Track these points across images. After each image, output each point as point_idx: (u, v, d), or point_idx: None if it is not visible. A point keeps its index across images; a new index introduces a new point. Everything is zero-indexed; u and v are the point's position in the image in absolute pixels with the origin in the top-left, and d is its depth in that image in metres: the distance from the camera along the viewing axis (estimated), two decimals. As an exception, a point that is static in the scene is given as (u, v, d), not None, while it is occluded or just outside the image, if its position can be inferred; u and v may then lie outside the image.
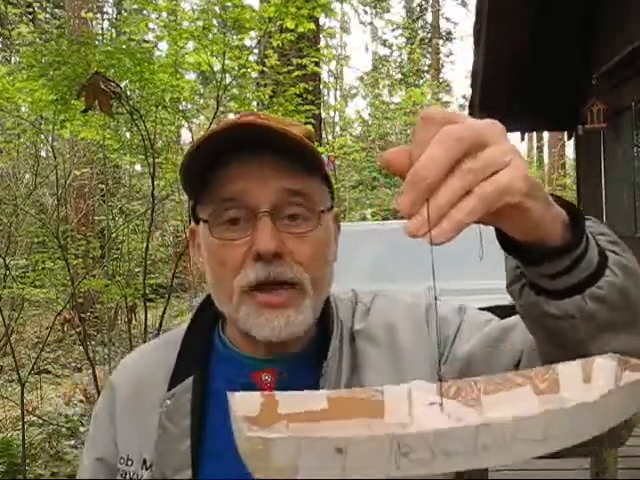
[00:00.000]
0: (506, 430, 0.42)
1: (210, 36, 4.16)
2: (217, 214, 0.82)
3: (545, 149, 24.83)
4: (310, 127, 0.97)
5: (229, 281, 0.81)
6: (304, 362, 0.87)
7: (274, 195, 0.80)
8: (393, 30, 25.21)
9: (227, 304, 0.83)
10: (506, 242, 0.60)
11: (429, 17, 24.99)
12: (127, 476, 0.88)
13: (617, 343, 0.61)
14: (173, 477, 0.84)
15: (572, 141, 9.44)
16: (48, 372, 7.33)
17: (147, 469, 0.86)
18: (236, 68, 4.72)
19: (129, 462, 0.88)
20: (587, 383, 0.53)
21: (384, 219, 14.59)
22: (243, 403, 0.50)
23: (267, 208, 0.79)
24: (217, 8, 4.52)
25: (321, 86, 11.43)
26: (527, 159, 26.89)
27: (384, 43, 25.58)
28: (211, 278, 0.85)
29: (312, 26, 4.68)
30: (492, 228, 0.63)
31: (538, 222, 0.55)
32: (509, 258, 0.65)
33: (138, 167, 10.73)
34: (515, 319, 0.79)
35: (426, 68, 24.64)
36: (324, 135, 14.38)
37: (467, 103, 9.37)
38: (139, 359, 0.99)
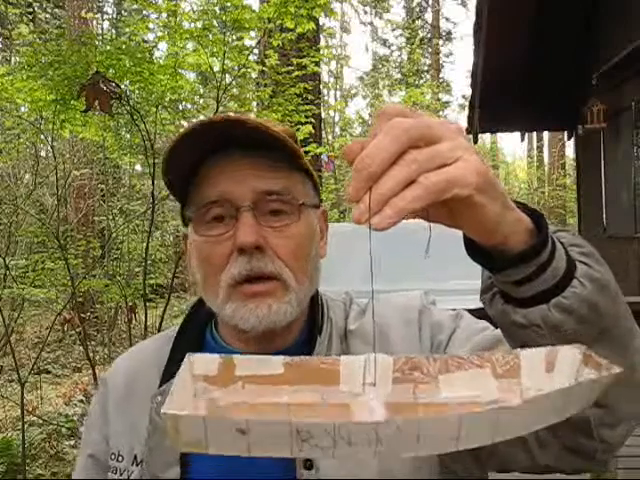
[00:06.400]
0: (410, 428, 0.43)
1: (210, 36, 4.16)
2: (202, 213, 0.84)
3: (545, 149, 24.82)
4: (295, 128, 0.98)
5: (216, 277, 0.83)
6: None
7: (254, 192, 0.82)
8: (393, 30, 25.21)
9: (215, 301, 0.84)
10: (474, 249, 0.60)
11: (429, 17, 24.98)
12: (117, 472, 0.88)
13: None
14: (162, 472, 0.84)
15: (572, 141, 9.44)
16: (48, 372, 7.33)
17: (137, 465, 0.87)
18: (236, 68, 4.72)
19: (120, 458, 0.89)
20: (549, 372, 0.53)
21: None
22: (202, 363, 0.54)
23: (249, 203, 0.81)
24: (217, 9, 4.52)
25: (321, 86, 11.42)
26: (527, 159, 26.89)
27: (384, 43, 25.58)
28: (200, 277, 0.86)
29: (312, 26, 4.68)
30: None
31: (495, 222, 0.55)
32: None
33: (138, 167, 10.74)
34: None
35: (426, 68, 24.62)
36: (324, 135, 14.38)
37: (467, 103, 9.36)
38: (133, 357, 1.00)
